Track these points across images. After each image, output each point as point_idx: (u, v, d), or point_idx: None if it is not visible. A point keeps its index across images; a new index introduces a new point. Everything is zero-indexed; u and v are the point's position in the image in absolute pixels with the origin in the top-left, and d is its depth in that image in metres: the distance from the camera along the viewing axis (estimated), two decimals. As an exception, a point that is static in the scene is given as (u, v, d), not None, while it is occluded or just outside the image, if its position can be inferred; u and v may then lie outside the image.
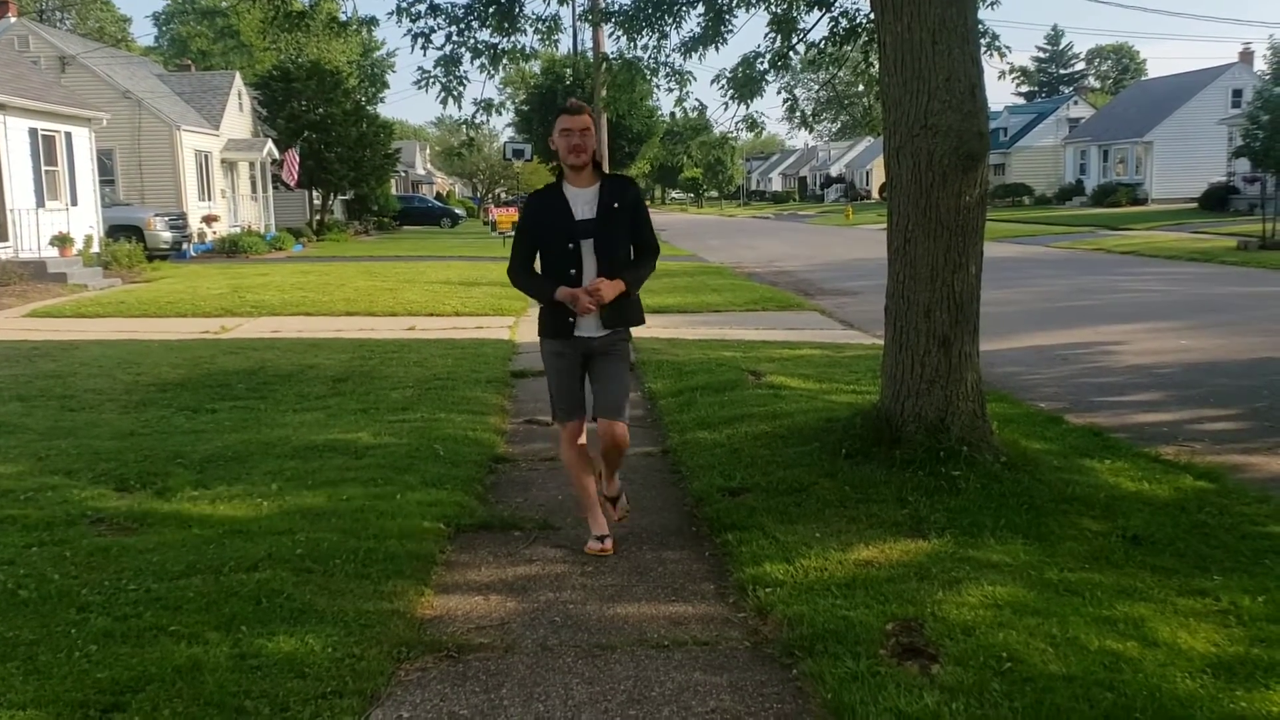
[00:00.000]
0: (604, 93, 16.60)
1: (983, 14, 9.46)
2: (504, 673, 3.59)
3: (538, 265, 4.78)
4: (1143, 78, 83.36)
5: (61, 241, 21.34)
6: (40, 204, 21.79)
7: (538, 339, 4.91)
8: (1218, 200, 40.66)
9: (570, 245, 4.61)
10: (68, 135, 23.35)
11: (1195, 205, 42.21)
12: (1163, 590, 4.06)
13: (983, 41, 8.45)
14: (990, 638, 3.60)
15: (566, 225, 4.61)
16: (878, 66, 6.54)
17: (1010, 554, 4.45)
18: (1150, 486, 5.50)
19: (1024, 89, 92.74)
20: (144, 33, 77.64)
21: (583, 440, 4.83)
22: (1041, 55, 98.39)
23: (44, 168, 22.23)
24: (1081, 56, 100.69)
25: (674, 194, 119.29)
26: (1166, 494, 5.37)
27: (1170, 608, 3.88)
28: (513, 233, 6.19)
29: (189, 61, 47.74)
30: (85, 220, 23.61)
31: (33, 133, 21.80)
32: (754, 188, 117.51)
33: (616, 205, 4.64)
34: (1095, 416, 7.48)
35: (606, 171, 4.82)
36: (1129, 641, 3.58)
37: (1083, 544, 4.58)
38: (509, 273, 4.82)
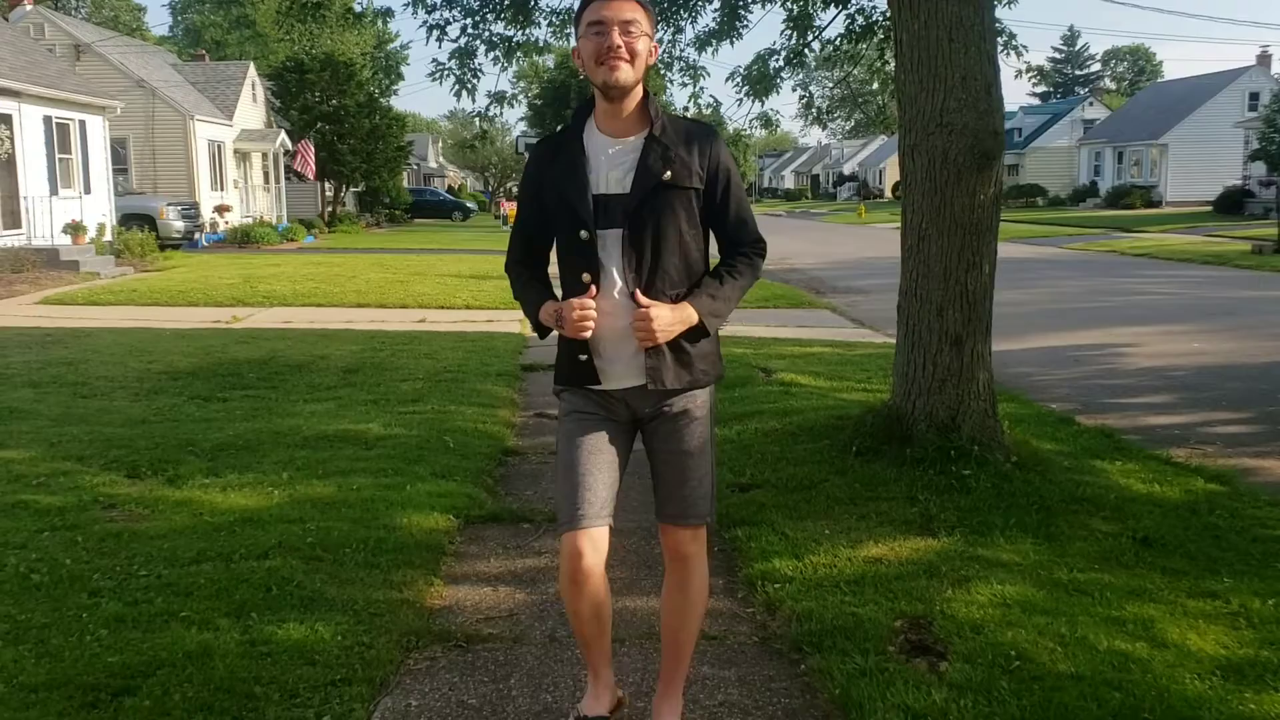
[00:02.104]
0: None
1: (1000, 13, 9.45)
2: (513, 663, 3.60)
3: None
4: (1159, 79, 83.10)
5: (74, 230, 21.41)
6: (54, 192, 21.87)
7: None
8: (1233, 204, 40.49)
9: (583, 234, 2.75)
10: (82, 124, 23.43)
11: (1210, 208, 42.05)
12: (1172, 592, 4.05)
13: (999, 40, 8.44)
14: (999, 636, 3.60)
15: (576, 200, 2.76)
16: (893, 64, 6.53)
17: (1020, 553, 4.44)
18: (1161, 488, 5.48)
19: (1039, 89, 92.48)
20: (158, 22, 78.00)
21: (596, 562, 2.80)
22: (1057, 56, 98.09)
23: (58, 156, 22.31)
24: (1098, 57, 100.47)
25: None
26: (1177, 496, 5.35)
27: (1180, 609, 3.88)
28: None
29: (203, 52, 47.87)
30: (98, 209, 23.70)
31: (47, 121, 21.87)
32: (766, 185, 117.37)
33: (669, 174, 2.73)
34: (1107, 418, 7.47)
35: (664, 111, 2.86)
36: (1138, 642, 3.57)
37: (1093, 544, 4.57)
38: (505, 268, 3.07)
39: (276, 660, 3.44)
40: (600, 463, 2.82)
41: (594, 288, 2.73)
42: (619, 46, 2.67)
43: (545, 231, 2.91)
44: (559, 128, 3.01)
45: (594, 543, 2.79)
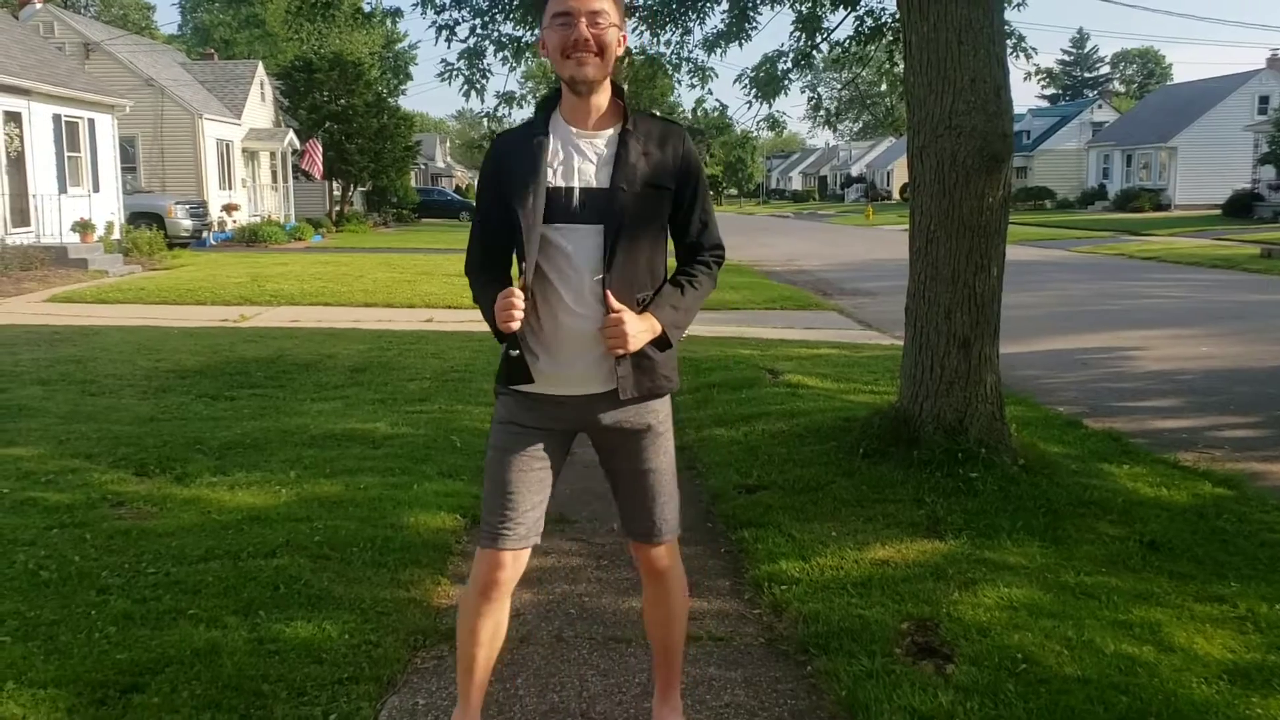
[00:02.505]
0: (625, 87, 16.61)
1: (1009, 15, 9.42)
2: (519, 663, 3.60)
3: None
4: (1168, 82, 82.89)
5: (83, 228, 21.47)
6: (62, 190, 21.94)
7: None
8: (1242, 207, 40.39)
9: (555, 230, 2.62)
10: (90, 122, 23.49)
11: (1219, 212, 41.94)
12: (1180, 596, 4.04)
13: (1009, 43, 8.43)
14: (1006, 639, 3.60)
15: (546, 195, 2.61)
16: (902, 66, 6.53)
17: (1027, 556, 4.44)
18: (1168, 492, 5.47)
19: (1048, 92, 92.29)
20: (167, 21, 78.20)
21: (512, 579, 2.79)
22: (1066, 58, 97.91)
23: (67, 154, 22.39)
24: (1107, 60, 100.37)
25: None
26: (1185, 500, 5.34)
27: (1187, 613, 3.87)
28: None
29: (212, 51, 47.95)
30: (107, 207, 23.76)
31: (56, 119, 21.94)
32: (774, 186, 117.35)
33: (648, 169, 2.63)
34: (1114, 421, 7.45)
35: (634, 108, 2.72)
36: (1145, 646, 3.57)
37: (1100, 548, 4.57)
38: (466, 271, 2.87)
39: (284, 658, 3.45)
40: (532, 482, 2.75)
41: (526, 291, 2.59)
42: (587, 39, 2.54)
43: (508, 230, 2.67)
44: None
45: (516, 562, 2.77)
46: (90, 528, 4.74)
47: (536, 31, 9.63)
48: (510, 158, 2.68)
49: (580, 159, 2.63)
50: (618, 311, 2.55)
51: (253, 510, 5.04)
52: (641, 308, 2.65)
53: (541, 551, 4.70)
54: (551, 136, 2.67)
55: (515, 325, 2.58)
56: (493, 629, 2.83)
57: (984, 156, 5.51)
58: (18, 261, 18.51)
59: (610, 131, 2.66)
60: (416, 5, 9.12)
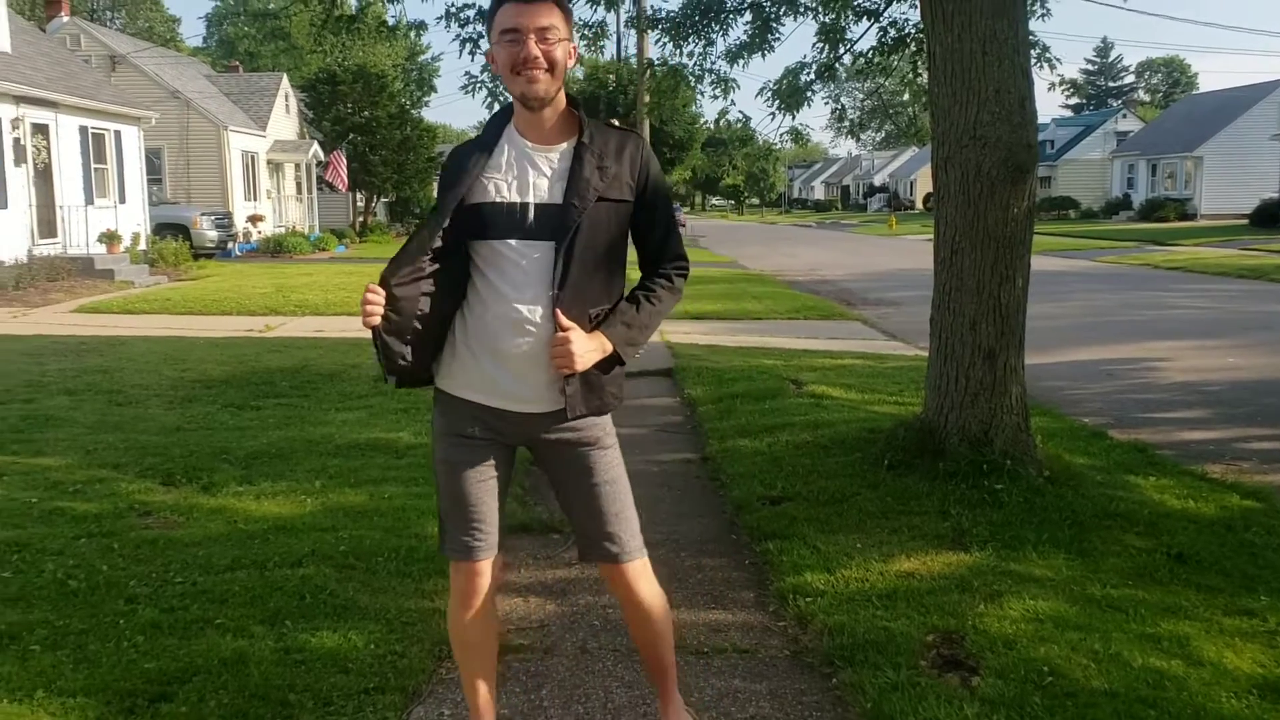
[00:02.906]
0: (647, 98, 16.64)
1: (1033, 25, 9.42)
2: (544, 674, 3.61)
3: None
4: (1194, 91, 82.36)
5: (109, 239, 21.67)
6: (89, 201, 22.15)
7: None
8: (1269, 217, 40.01)
9: (511, 244, 2.60)
10: (117, 134, 23.73)
11: (1246, 222, 41.58)
12: (1208, 609, 4.01)
13: (1033, 53, 8.41)
14: (1032, 651, 3.58)
15: (498, 210, 2.60)
16: (926, 76, 6.53)
17: (1053, 568, 4.41)
18: (1196, 504, 5.43)
19: (1072, 101, 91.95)
20: (193, 33, 78.93)
21: (489, 587, 2.85)
22: (1090, 68, 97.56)
23: (93, 166, 22.61)
24: (1131, 69, 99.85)
25: (714, 201, 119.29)
26: (1212, 512, 5.30)
27: (1216, 627, 3.84)
28: None
29: (237, 63, 48.35)
30: (133, 218, 23.98)
31: (83, 131, 22.16)
32: (796, 195, 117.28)
33: (603, 183, 2.59)
34: (1140, 432, 7.41)
35: (589, 118, 2.68)
36: (1173, 660, 3.54)
37: (1126, 560, 4.54)
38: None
39: (310, 668, 3.47)
40: (487, 491, 2.74)
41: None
42: (536, 57, 2.51)
43: (454, 241, 2.64)
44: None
45: (491, 568, 2.81)
46: (118, 537, 4.78)
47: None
48: (466, 174, 2.63)
49: (534, 173, 2.60)
50: (566, 330, 2.53)
51: (279, 520, 5.07)
52: (594, 325, 2.62)
53: (565, 564, 4.72)
54: (507, 149, 2.64)
55: (374, 322, 2.60)
56: (485, 636, 2.88)
57: (1009, 167, 5.50)
58: (45, 272, 18.70)
59: (565, 145, 2.63)
60: (440, 19, 9.18)
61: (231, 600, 4.03)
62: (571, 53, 2.61)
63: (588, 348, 2.57)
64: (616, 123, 2.72)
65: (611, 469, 2.77)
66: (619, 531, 2.76)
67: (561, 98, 2.63)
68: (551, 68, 2.55)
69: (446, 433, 2.74)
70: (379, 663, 3.53)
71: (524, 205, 2.58)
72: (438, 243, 2.65)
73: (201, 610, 3.92)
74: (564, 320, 2.54)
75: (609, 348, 2.62)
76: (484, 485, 2.74)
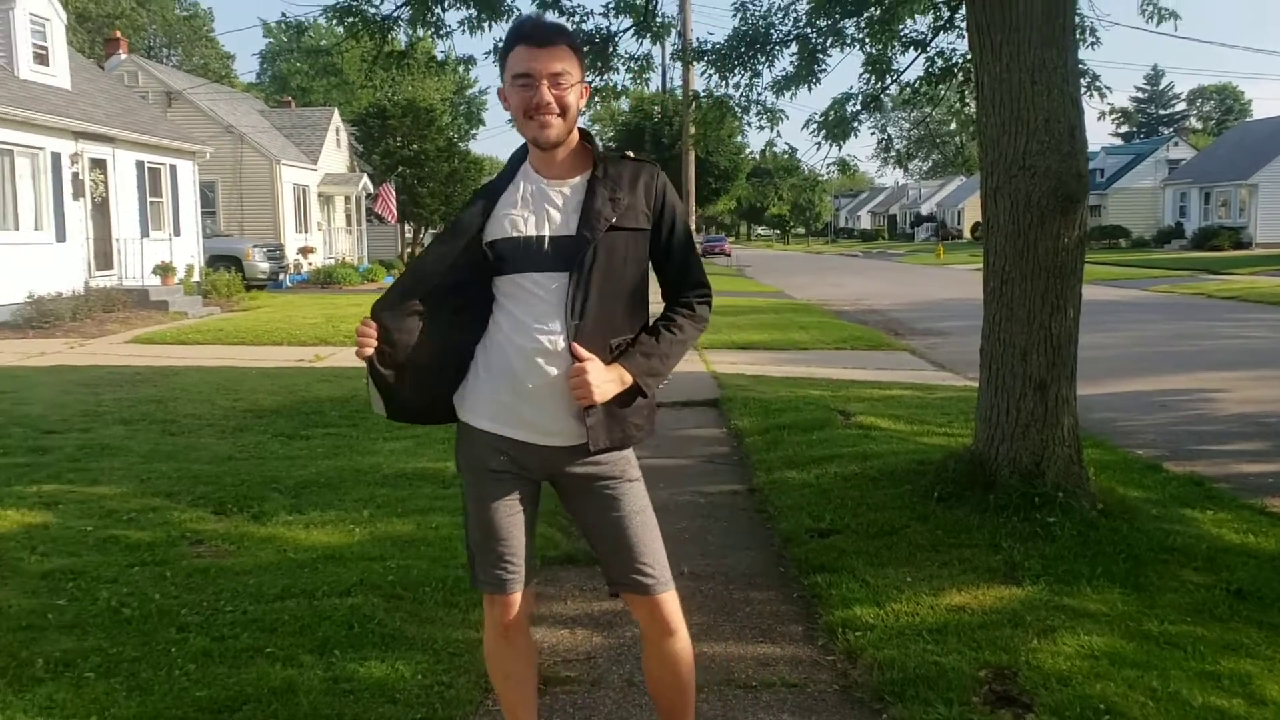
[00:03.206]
0: (692, 130, 16.73)
1: (1083, 53, 9.36)
2: (590, 707, 3.59)
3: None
4: (1247, 119, 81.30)
5: (164, 270, 22.06)
6: (145, 234, 22.59)
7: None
8: (1325, 245, 39.37)
9: (530, 279, 2.64)
10: (172, 168, 24.21)
11: (1301, 249, 40.94)
12: (1270, 647, 3.91)
13: (1083, 82, 8.35)
14: (1087, 689, 3.51)
15: (514, 246, 2.64)
16: (973, 106, 6.50)
17: (1107, 604, 4.33)
18: (1255, 539, 5.31)
19: (1123, 129, 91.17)
20: (246, 70, 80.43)
21: (525, 618, 2.86)
22: (1140, 95, 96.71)
23: (149, 199, 23.08)
24: (1183, 97, 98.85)
25: (760, 230, 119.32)
26: (1273, 547, 5.18)
27: (1279, 665, 3.74)
28: None
29: (289, 98, 49.18)
30: (187, 250, 24.41)
31: (139, 165, 22.64)
32: (842, 225, 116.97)
33: (617, 217, 2.62)
34: (1196, 465, 7.27)
35: (604, 150, 2.74)
36: (1234, 698, 3.46)
37: (1184, 596, 4.44)
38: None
39: (359, 698, 3.48)
40: (515, 524, 2.74)
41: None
42: (549, 103, 2.55)
43: (475, 278, 2.67)
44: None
45: (526, 599, 2.82)
46: (170, 565, 4.84)
47: (605, 76, 9.78)
48: (484, 212, 2.68)
49: (550, 207, 2.64)
50: (583, 361, 2.54)
51: (327, 549, 5.10)
52: (614, 356, 2.63)
53: (611, 595, 4.69)
54: (523, 186, 2.68)
55: (368, 353, 2.69)
56: (524, 666, 2.90)
57: (1059, 197, 5.45)
58: (101, 304, 19.06)
59: (578, 179, 2.66)
60: (489, 54, 9.28)
61: (281, 629, 4.05)
62: (583, 94, 2.65)
63: (605, 378, 2.57)
64: (632, 154, 2.76)
65: (637, 501, 2.75)
66: (648, 564, 2.73)
67: (574, 135, 2.67)
68: (564, 112, 2.58)
69: (472, 466, 2.75)
70: (426, 693, 3.54)
71: (540, 238, 2.61)
72: (436, 281, 2.69)
73: (252, 639, 3.95)
74: (580, 351, 2.55)
75: (628, 379, 2.62)
76: (512, 518, 2.74)
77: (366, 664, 3.74)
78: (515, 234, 2.63)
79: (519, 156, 2.74)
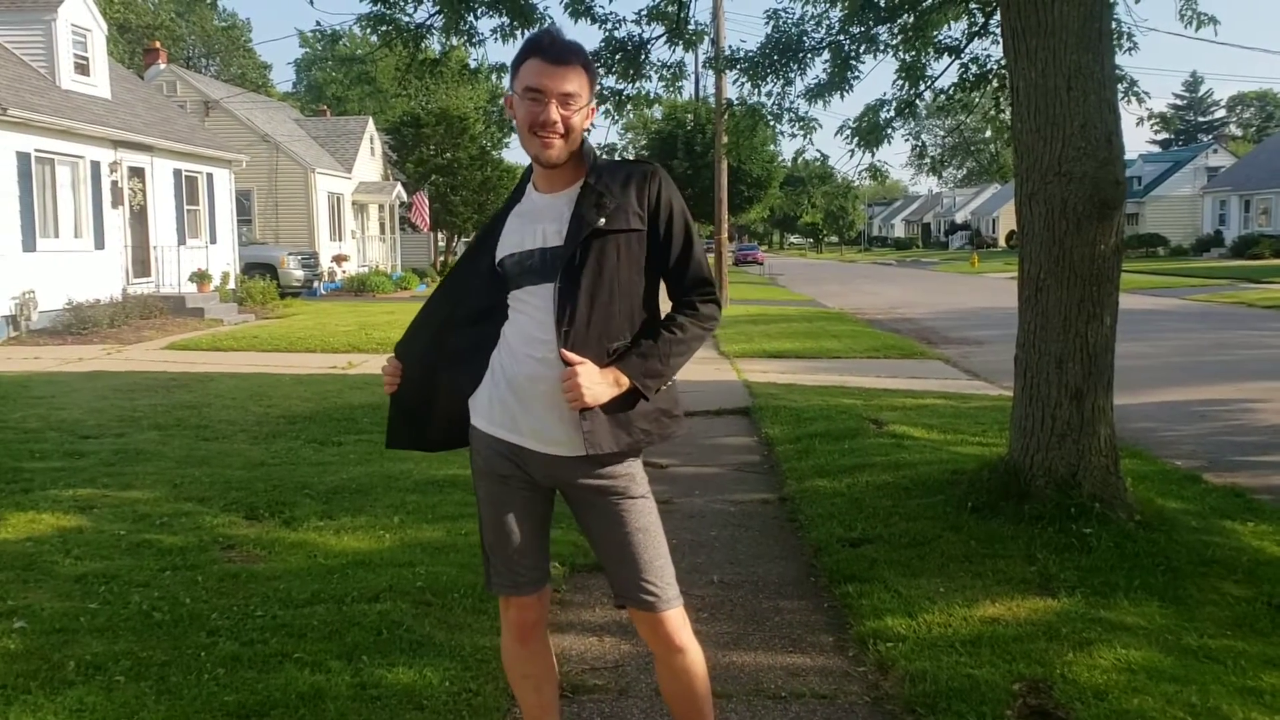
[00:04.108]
0: (725, 138, 16.71)
1: (1120, 59, 9.26)
2: (618, 716, 3.56)
3: None
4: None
5: (200, 278, 22.28)
6: (181, 241, 22.82)
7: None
8: (1368, 253, 38.79)
9: (525, 291, 2.66)
10: (209, 176, 24.46)
11: (1343, 258, 40.34)
12: (1313, 662, 3.83)
13: (1120, 87, 8.26)
14: (1124, 703, 3.44)
15: (509, 262, 2.68)
16: (1008, 113, 6.44)
17: (1145, 616, 4.26)
18: (1298, 552, 5.21)
19: (1160, 136, 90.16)
20: (283, 79, 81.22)
21: (541, 619, 2.87)
22: (1179, 102, 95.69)
23: (186, 207, 23.34)
24: (1222, 104, 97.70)
25: (793, 239, 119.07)
26: (1316, 560, 5.08)
27: (1322, 681, 3.66)
28: None
29: (325, 107, 49.61)
30: (223, 258, 24.64)
31: (177, 173, 22.89)
32: (875, 233, 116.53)
33: (603, 220, 2.60)
34: (1236, 476, 7.15)
35: (601, 159, 2.73)
36: (1276, 715, 3.38)
37: (1224, 609, 4.36)
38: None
39: (386, 704, 3.47)
40: (528, 527, 2.75)
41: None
42: (555, 122, 2.55)
43: (492, 297, 2.73)
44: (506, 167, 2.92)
45: (542, 600, 2.82)
46: (202, 570, 4.86)
47: (638, 84, 9.77)
48: (481, 235, 2.81)
49: (544, 220, 2.64)
50: (573, 365, 2.53)
51: (357, 554, 5.11)
52: (610, 359, 2.60)
53: (618, 606, 4.66)
54: (526, 202, 2.72)
55: (391, 389, 2.84)
56: (544, 669, 2.88)
57: (1095, 203, 5.38)
58: (138, 310, 19.26)
59: (572, 189, 2.65)
60: (522, 61, 9.30)
61: (310, 634, 4.05)
62: (590, 114, 2.65)
63: (597, 381, 2.54)
64: (623, 160, 2.76)
65: (642, 517, 2.70)
66: (654, 580, 2.68)
67: (575, 151, 2.67)
68: (567, 133, 2.57)
69: (483, 470, 2.76)
70: (454, 700, 3.52)
71: (533, 252, 2.63)
72: (447, 310, 2.83)
73: (280, 644, 3.95)
74: (569, 355, 2.54)
75: (625, 382, 2.58)
76: (525, 521, 2.74)
77: (394, 670, 3.73)
78: (516, 251, 2.66)
79: (529, 173, 2.76)
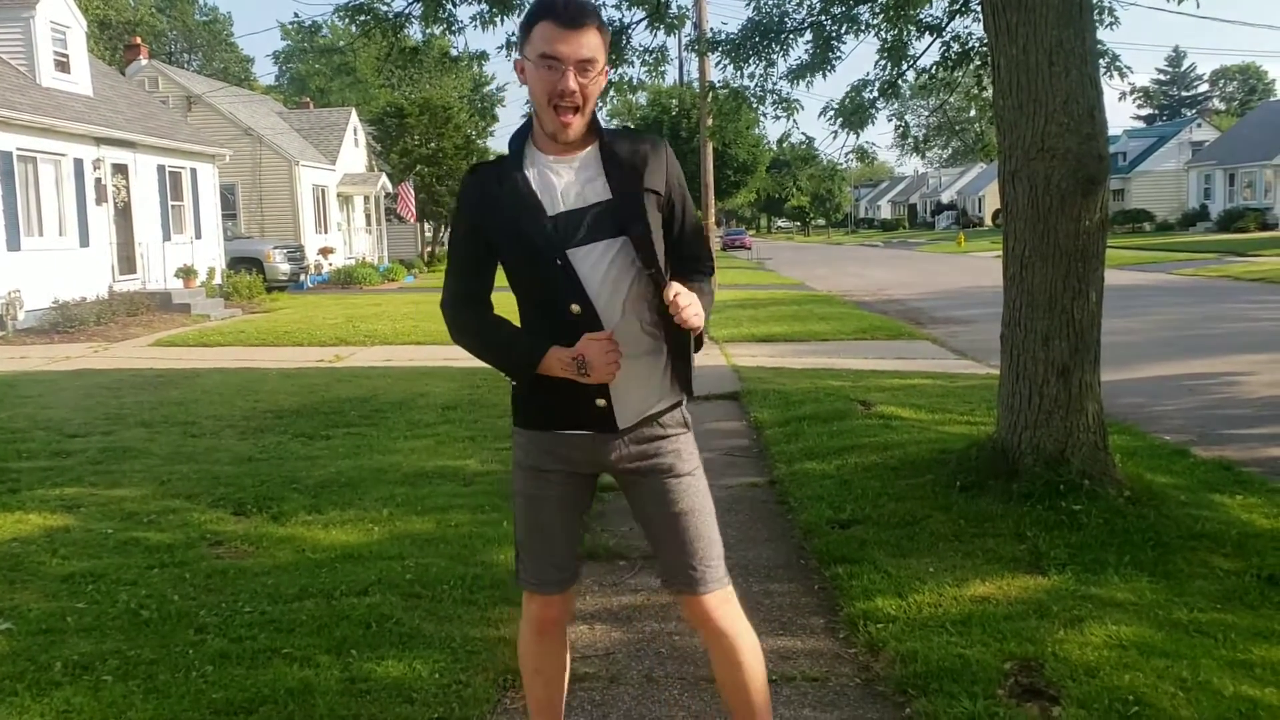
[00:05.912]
0: (710, 121, 16.66)
1: (1101, 34, 9.22)
2: (609, 703, 3.55)
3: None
4: (1271, 98, 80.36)
5: (186, 273, 22.19)
6: (166, 238, 22.71)
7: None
8: (1353, 224, 38.91)
9: (559, 262, 2.46)
10: (193, 171, 24.33)
11: (1328, 230, 40.46)
12: (1303, 634, 3.83)
13: (1102, 62, 8.24)
14: (1115, 679, 3.44)
15: (539, 226, 2.48)
16: (991, 91, 6.41)
17: (1135, 592, 4.26)
18: (1286, 524, 5.22)
19: (1144, 112, 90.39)
20: (265, 72, 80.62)
21: (563, 618, 2.84)
22: (1162, 77, 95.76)
23: (170, 203, 23.21)
24: (1205, 78, 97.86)
25: (780, 222, 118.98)
26: (1304, 532, 5.09)
27: (1312, 652, 3.67)
28: None
29: (307, 99, 49.35)
30: (208, 253, 24.53)
31: (160, 169, 22.76)
32: (862, 215, 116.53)
33: (639, 174, 2.51)
34: (1225, 450, 7.16)
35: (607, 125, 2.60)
36: (1267, 688, 3.38)
37: (1214, 583, 4.36)
38: (443, 310, 2.72)
39: (375, 698, 3.45)
40: (564, 525, 2.69)
41: (596, 317, 2.46)
42: (574, 91, 2.39)
43: (490, 267, 2.61)
44: (493, 156, 2.76)
45: (566, 599, 2.78)
46: (189, 567, 4.83)
47: (620, 70, 9.71)
48: (494, 193, 2.53)
49: (568, 180, 2.49)
50: (675, 293, 2.39)
51: (346, 548, 5.09)
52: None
53: (631, 589, 4.67)
54: (530, 168, 2.53)
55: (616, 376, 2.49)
56: (557, 666, 2.84)
57: (1079, 179, 5.37)
58: (125, 307, 19.17)
59: (586, 150, 2.52)
60: (501, 48, 9.26)
61: (299, 629, 4.03)
62: (604, 78, 2.51)
63: (695, 300, 2.43)
64: (626, 127, 2.62)
65: (689, 497, 2.63)
66: (697, 562, 2.61)
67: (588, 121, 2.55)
68: (585, 103, 2.44)
69: (524, 465, 2.68)
70: (444, 692, 3.51)
71: (572, 211, 2.48)
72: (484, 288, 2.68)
73: (269, 640, 3.93)
74: (673, 285, 2.42)
75: (704, 304, 2.53)
76: (561, 519, 2.68)
77: (384, 663, 3.71)
78: (559, 211, 2.49)
79: (522, 135, 2.59)
